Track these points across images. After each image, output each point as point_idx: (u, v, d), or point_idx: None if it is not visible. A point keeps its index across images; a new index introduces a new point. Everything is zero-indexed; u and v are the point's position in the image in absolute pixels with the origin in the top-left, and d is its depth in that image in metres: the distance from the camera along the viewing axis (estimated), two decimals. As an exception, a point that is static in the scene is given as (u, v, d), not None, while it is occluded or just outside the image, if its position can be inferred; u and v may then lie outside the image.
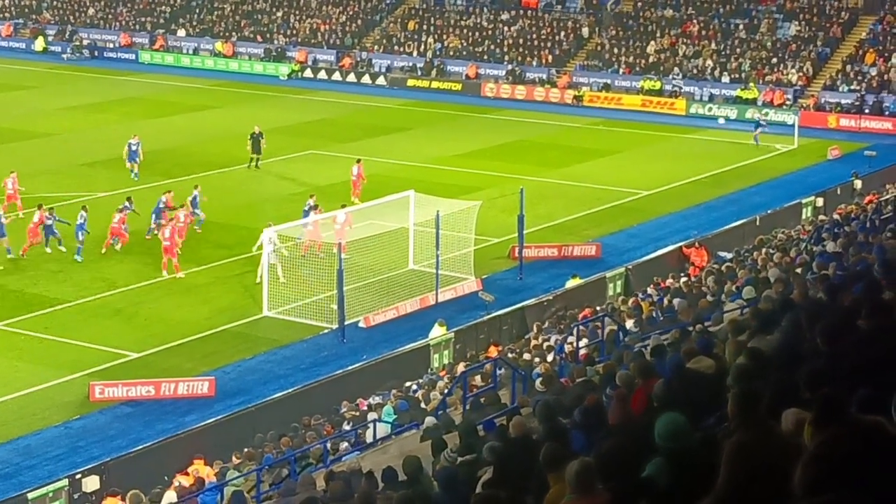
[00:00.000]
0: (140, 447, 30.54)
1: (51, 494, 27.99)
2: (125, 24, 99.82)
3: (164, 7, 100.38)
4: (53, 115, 73.26)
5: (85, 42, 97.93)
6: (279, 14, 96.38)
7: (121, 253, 46.57)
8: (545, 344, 33.05)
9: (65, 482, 28.32)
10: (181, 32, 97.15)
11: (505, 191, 50.91)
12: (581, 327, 32.26)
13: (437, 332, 38.11)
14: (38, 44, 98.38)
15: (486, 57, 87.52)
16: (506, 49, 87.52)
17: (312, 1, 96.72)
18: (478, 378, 30.28)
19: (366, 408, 31.15)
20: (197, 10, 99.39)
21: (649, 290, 38.22)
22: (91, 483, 28.51)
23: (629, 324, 31.94)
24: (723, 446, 9.10)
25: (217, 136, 66.21)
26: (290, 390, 33.88)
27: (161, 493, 26.22)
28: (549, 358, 30.88)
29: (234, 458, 28.11)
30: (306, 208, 47.64)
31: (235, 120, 72.40)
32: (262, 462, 27.05)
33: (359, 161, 53.95)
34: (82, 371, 36.45)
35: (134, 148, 57.65)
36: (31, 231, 45.88)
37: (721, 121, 68.15)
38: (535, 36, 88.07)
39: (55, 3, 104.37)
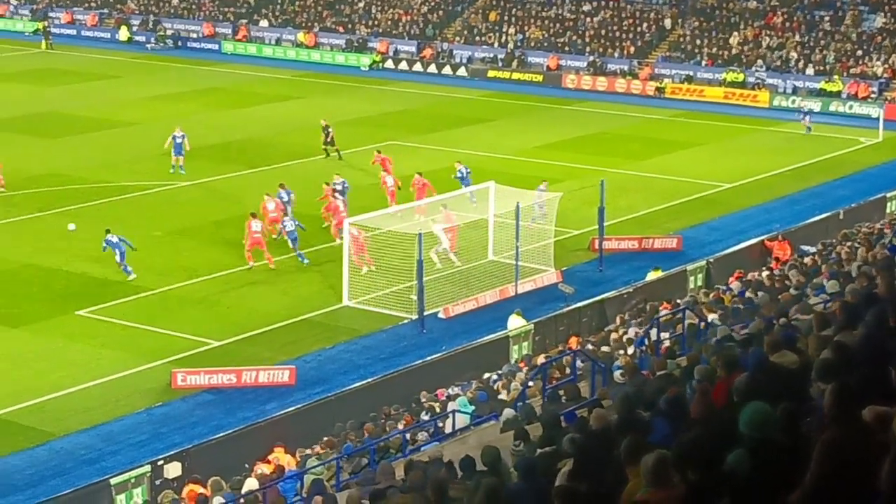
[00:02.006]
0: (221, 434, 30.72)
1: (133, 480, 28.24)
2: (208, 14, 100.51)
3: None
4: (136, 104, 73.91)
5: (168, 32, 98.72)
6: (361, 5, 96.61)
7: (203, 242, 46.85)
8: (625, 337, 32.90)
9: (147, 468, 28.56)
10: (264, 23, 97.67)
11: (585, 183, 50.74)
12: (662, 320, 32.10)
13: (514, 321, 38.04)
14: (123, 33, 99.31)
15: (567, 48, 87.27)
16: (587, 40, 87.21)
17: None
18: (556, 370, 30.22)
19: (444, 398, 31.17)
20: (280, 1, 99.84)
21: (731, 283, 37.96)
22: (173, 469, 28.74)
23: (711, 317, 31.71)
24: (809, 439, 9.03)
25: (298, 127, 66.52)
26: (369, 380, 33.95)
27: (242, 480, 26.36)
28: (629, 351, 30.75)
29: (317, 448, 28.20)
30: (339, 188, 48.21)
31: (317, 111, 72.61)
32: (342, 451, 27.15)
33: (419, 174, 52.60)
34: (165, 359, 36.78)
35: (179, 141, 56.90)
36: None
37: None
38: (616, 27, 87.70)
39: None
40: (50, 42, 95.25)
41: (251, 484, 25.77)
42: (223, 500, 25.05)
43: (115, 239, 42.96)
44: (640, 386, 19.43)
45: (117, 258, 42.85)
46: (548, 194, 46.94)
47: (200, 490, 26.04)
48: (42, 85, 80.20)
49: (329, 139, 59.67)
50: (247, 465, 28.14)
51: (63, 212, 49.43)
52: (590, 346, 32.80)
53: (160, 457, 29.20)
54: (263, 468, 27.09)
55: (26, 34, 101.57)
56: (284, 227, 45.38)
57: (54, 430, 32.50)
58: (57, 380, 35.25)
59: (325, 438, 28.45)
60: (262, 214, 45.74)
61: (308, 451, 28.30)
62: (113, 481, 28.03)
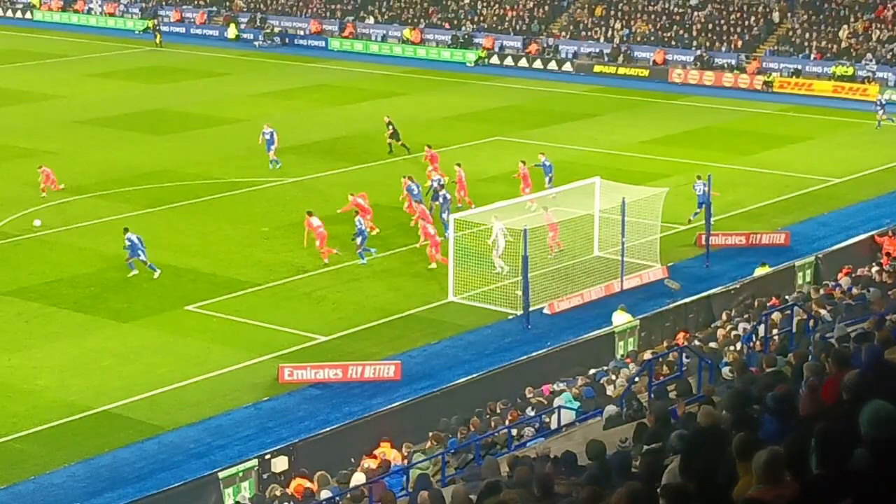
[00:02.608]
0: (328, 429, 30.93)
1: (241, 474, 28.50)
2: (315, 11, 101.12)
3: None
4: (244, 101, 74.58)
5: (276, 29, 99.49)
6: (466, 0, 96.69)
7: (301, 239, 46.92)
8: (732, 333, 32.63)
9: (254, 462, 28.81)
10: (370, 20, 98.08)
11: (692, 178, 50.40)
12: (771, 316, 31.77)
13: (619, 317, 37.87)
14: (231, 31, 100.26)
15: (673, 42, 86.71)
16: (694, 34, 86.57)
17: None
18: (664, 366, 30.02)
19: (550, 394, 31.12)
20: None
21: (840, 280, 37.51)
22: (280, 463, 28.96)
23: (822, 313, 31.34)
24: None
25: (404, 123, 66.59)
26: (474, 375, 33.96)
27: (349, 474, 26.52)
28: (737, 347, 30.48)
29: (429, 443, 28.24)
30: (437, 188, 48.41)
31: (423, 106, 72.95)
32: (448, 446, 27.20)
33: (459, 164, 52.63)
34: (272, 353, 37.10)
35: (268, 136, 57.56)
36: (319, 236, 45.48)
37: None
38: (724, 21, 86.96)
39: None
40: (161, 39, 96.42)
41: (358, 478, 25.89)
42: (330, 495, 25.22)
43: (134, 238, 43.38)
44: (749, 383, 19.25)
45: (141, 257, 43.17)
46: (653, 191, 46.59)
47: (307, 484, 26.26)
48: (152, 82, 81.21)
49: (393, 133, 59.76)
50: (353, 460, 28.27)
51: (172, 208, 50.09)
52: (696, 343, 32.57)
53: (268, 451, 29.44)
54: (370, 463, 27.21)
55: (136, 32, 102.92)
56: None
57: (164, 424, 32.92)
58: (166, 374, 35.70)
59: (432, 433, 28.52)
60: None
61: (415, 447, 28.38)
62: (221, 475, 28.31)
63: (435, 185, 49.39)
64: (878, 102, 67.67)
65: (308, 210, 45.97)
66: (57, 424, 32.89)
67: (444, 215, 46.05)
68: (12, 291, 42.37)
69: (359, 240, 44.61)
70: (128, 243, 43.14)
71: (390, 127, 59.85)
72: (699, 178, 48.62)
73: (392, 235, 47.75)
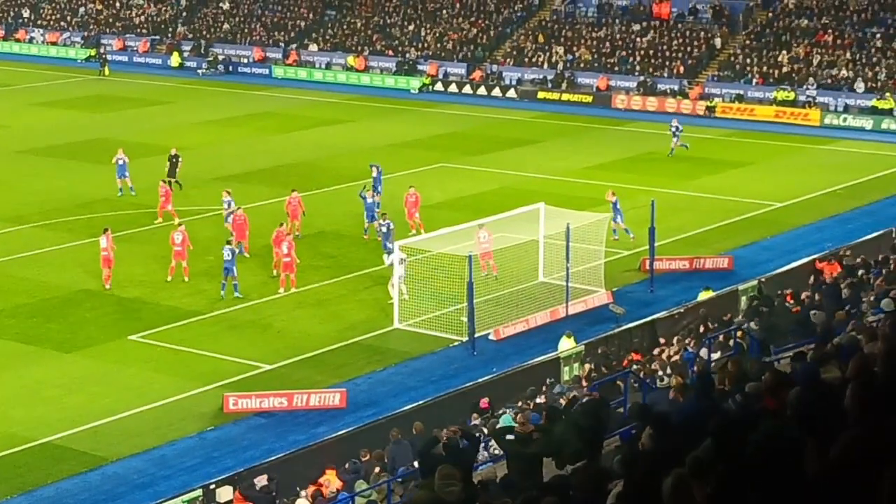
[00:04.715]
0: (273, 458, 30.82)
1: (185, 504, 28.39)
2: (259, 39, 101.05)
3: (296, 22, 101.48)
4: (189, 129, 74.35)
5: (219, 57, 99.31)
6: (410, 28, 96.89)
7: (252, 266, 47.02)
8: (675, 357, 32.76)
9: (199, 492, 28.69)
10: (313, 47, 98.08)
11: (636, 203, 50.65)
12: (714, 339, 31.95)
13: (566, 344, 37.97)
14: (174, 59, 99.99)
15: (616, 68, 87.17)
16: (637, 60, 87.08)
17: (444, 14, 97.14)
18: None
19: (488, 411, 31.17)
20: (329, 25, 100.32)
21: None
22: (224, 493, 28.86)
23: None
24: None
25: (350, 150, 66.74)
26: (420, 402, 33.95)
27: (292, 502, 26.42)
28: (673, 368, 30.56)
29: (361, 456, 28.26)
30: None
31: (368, 133, 72.98)
32: (395, 473, 27.14)
33: (411, 187, 52.79)
34: (216, 382, 36.95)
35: (121, 163, 57.43)
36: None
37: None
38: (666, 47, 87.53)
39: (190, 19, 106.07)
40: (108, 69, 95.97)
41: (302, 506, 25.80)
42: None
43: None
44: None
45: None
46: (597, 216, 46.77)
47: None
48: (95, 111, 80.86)
49: (171, 167, 57.78)
50: (298, 489, 28.18)
51: (116, 237, 49.78)
52: (635, 366, 32.68)
53: (212, 481, 29.31)
54: (314, 491, 27.11)
55: (79, 61, 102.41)
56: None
57: (107, 455, 32.72)
58: (109, 404, 35.48)
59: (375, 451, 28.52)
60: None
61: (355, 460, 28.34)
62: (165, 505, 28.16)
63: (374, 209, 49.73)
64: (673, 129, 66.62)
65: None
66: (-2, 456, 32.62)
67: (388, 243, 46.09)
68: (-47, 323, 42.03)
69: (228, 275, 44.44)
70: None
71: (174, 160, 58.02)
72: (612, 193, 49.72)
73: (338, 262, 47.67)
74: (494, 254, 44.97)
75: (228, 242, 45.17)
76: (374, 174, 54.01)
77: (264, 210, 53.30)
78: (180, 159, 58.06)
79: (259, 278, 45.90)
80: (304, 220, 50.90)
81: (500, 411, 31.32)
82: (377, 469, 27.72)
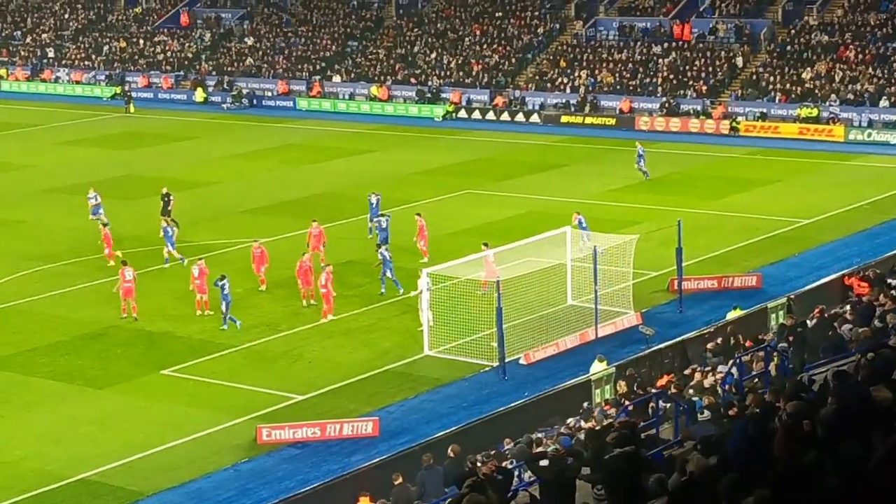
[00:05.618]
0: (308, 488, 30.88)
1: (222, 536, 28.48)
2: (282, 72, 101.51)
3: (319, 54, 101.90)
4: (215, 163, 74.73)
5: (244, 91, 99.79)
6: (433, 56, 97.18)
7: (283, 297, 47.18)
8: (710, 376, 32.67)
9: (235, 524, 28.78)
10: (336, 78, 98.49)
11: (662, 224, 50.62)
12: (744, 359, 31.87)
13: (598, 367, 37.96)
14: (199, 95, 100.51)
15: (639, 90, 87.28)
16: (659, 82, 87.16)
17: (465, 41, 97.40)
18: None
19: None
20: (352, 56, 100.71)
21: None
22: (260, 524, 28.94)
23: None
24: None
25: (375, 180, 66.85)
26: (452, 428, 33.94)
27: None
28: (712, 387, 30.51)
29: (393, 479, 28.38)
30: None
31: (392, 163, 73.22)
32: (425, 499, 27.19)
33: (419, 214, 52.95)
34: (249, 414, 37.06)
35: (93, 201, 57.94)
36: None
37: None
38: (688, 67, 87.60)
39: (214, 54, 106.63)
40: (133, 106, 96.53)
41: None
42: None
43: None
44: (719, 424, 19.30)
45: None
46: (624, 238, 46.78)
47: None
48: (121, 148, 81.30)
49: (164, 206, 57.32)
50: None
51: (145, 272, 49.95)
52: (672, 389, 32.60)
53: (248, 512, 29.39)
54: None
55: (104, 99, 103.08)
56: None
57: (143, 490, 32.80)
58: (143, 439, 35.59)
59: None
60: None
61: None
62: (202, 538, 28.25)
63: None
64: (638, 153, 66.40)
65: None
66: (35, 494, 32.70)
67: (389, 274, 47.01)
68: (-13, 362, 42.29)
69: (223, 306, 44.64)
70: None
71: (167, 199, 57.74)
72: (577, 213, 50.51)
73: (366, 291, 47.79)
74: (523, 278, 44.93)
75: (222, 277, 45.18)
76: (374, 202, 55.25)
77: (290, 242, 53.46)
78: (172, 197, 57.93)
79: (289, 309, 46.04)
80: (331, 249, 51.04)
81: (537, 437, 31.28)
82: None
